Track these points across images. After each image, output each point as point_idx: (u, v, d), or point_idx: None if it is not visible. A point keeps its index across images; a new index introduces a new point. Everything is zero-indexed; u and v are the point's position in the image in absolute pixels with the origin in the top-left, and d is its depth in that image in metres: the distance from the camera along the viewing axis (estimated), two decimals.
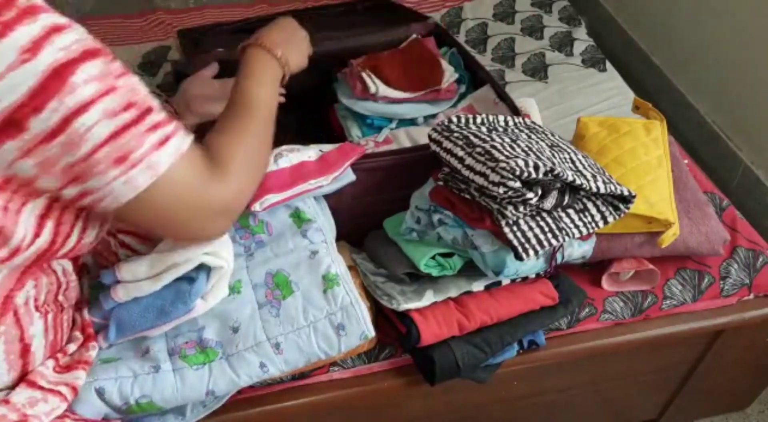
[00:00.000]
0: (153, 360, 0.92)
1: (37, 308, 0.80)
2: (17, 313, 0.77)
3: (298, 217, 1.04)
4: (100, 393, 0.89)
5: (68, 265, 0.87)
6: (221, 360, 0.93)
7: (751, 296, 1.25)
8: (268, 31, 1.00)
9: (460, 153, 0.97)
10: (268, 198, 1.01)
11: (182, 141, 0.72)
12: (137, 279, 0.90)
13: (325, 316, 0.95)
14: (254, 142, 0.86)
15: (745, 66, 1.73)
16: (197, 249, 0.90)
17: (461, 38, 1.89)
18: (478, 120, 1.06)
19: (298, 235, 1.03)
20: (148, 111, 0.68)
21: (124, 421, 0.93)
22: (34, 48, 0.60)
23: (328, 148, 1.11)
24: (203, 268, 0.91)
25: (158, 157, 0.69)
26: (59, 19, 0.63)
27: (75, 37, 0.63)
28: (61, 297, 0.86)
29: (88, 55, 0.64)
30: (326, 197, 1.09)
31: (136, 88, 0.68)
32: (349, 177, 1.09)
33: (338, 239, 1.10)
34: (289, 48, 0.99)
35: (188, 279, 0.91)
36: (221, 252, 0.92)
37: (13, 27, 0.60)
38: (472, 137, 0.99)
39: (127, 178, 0.67)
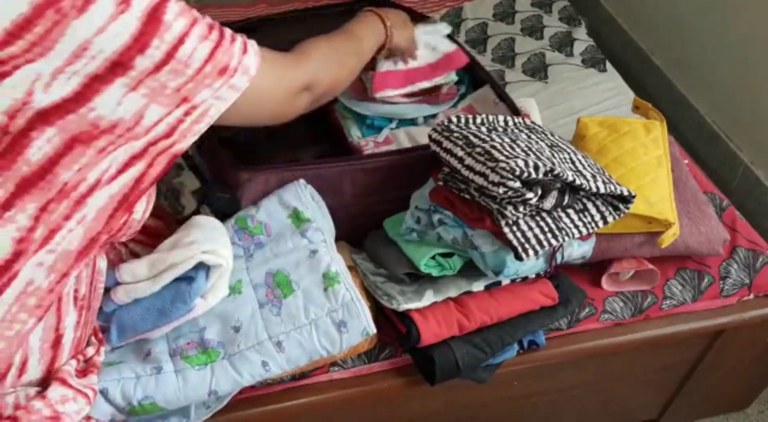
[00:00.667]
0: (155, 361, 0.92)
1: (75, 300, 0.82)
2: (60, 301, 0.79)
3: (296, 218, 1.04)
4: (104, 394, 0.89)
5: (104, 266, 0.89)
6: (223, 360, 0.93)
7: (751, 296, 1.25)
8: (388, 12, 1.17)
9: (460, 153, 0.97)
10: (387, 91, 1.23)
11: (253, 45, 0.82)
12: (137, 280, 0.90)
13: (326, 314, 0.95)
14: (332, 50, 0.99)
15: (745, 66, 1.73)
16: (196, 248, 0.90)
17: (461, 38, 1.89)
18: (478, 120, 1.06)
19: (297, 235, 1.03)
20: (222, 29, 0.78)
21: None
22: None
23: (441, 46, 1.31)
24: (202, 267, 0.91)
25: (248, 62, 0.79)
26: None
27: None
28: (92, 296, 0.87)
29: None
30: (326, 197, 1.09)
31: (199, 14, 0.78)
32: (452, 77, 1.31)
33: (338, 239, 1.11)
34: (398, 25, 1.17)
35: (187, 279, 0.91)
36: (220, 251, 0.92)
37: None
38: (471, 137, 0.99)
39: (231, 84, 0.77)
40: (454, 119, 1.05)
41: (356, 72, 1.07)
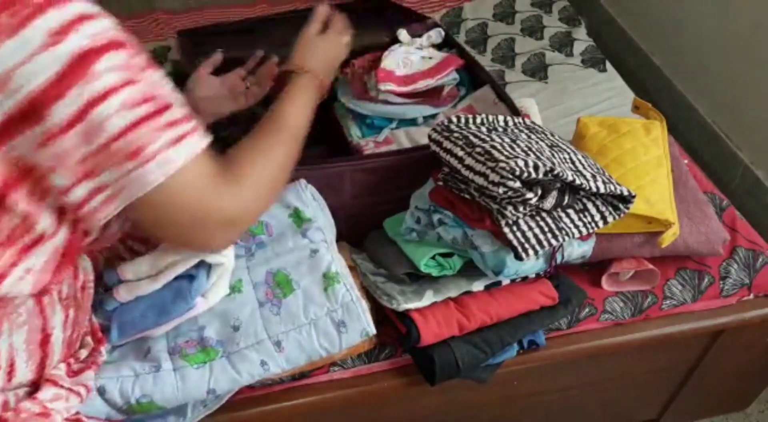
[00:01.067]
0: (154, 360, 0.92)
1: (60, 300, 0.81)
2: (41, 303, 0.78)
3: (297, 217, 1.04)
4: (101, 391, 0.90)
5: (89, 265, 0.89)
6: (222, 359, 0.93)
7: (751, 296, 1.25)
8: (311, 51, 1.04)
9: (460, 153, 0.97)
10: (390, 84, 1.26)
11: (198, 141, 0.70)
12: (139, 278, 0.90)
13: (325, 313, 0.95)
14: (275, 163, 0.85)
15: (745, 66, 1.73)
16: None
17: (461, 38, 1.89)
18: (478, 120, 1.06)
19: (298, 235, 1.03)
20: (167, 107, 0.68)
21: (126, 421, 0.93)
22: (61, 32, 0.60)
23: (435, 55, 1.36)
24: (203, 266, 0.92)
25: (171, 155, 0.67)
26: (90, 8, 0.63)
27: (103, 26, 0.64)
28: (79, 296, 0.87)
29: (113, 45, 0.64)
30: (326, 197, 1.09)
31: (158, 82, 0.68)
32: (453, 75, 1.33)
33: (338, 239, 1.11)
34: (328, 69, 1.05)
35: (189, 277, 0.91)
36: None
37: (44, 10, 0.60)
38: (471, 137, 0.99)
39: (138, 174, 0.66)
40: (454, 119, 1.05)
41: (290, 168, 0.90)
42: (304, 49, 1.04)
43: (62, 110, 0.61)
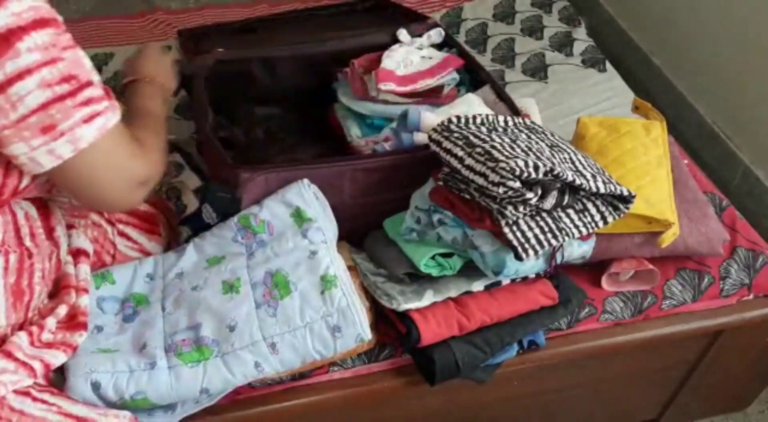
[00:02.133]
0: (149, 356, 0.93)
1: None
2: None
3: (299, 216, 1.04)
4: (96, 386, 0.90)
5: (32, 210, 0.90)
6: (216, 359, 0.93)
7: (751, 296, 1.25)
8: (141, 64, 1.09)
9: (460, 153, 0.97)
10: (390, 84, 1.24)
11: (108, 119, 0.76)
12: None
13: (321, 317, 0.95)
14: (161, 137, 0.96)
15: (745, 66, 1.73)
16: None
17: (461, 38, 1.89)
18: (478, 120, 1.06)
19: (298, 235, 1.03)
20: (86, 85, 0.72)
21: None
22: None
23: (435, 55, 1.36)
24: None
25: (82, 132, 0.72)
26: None
27: (29, 5, 0.67)
28: (28, 243, 0.86)
29: (38, 23, 0.67)
30: (326, 197, 1.09)
31: (80, 61, 0.72)
32: (453, 75, 1.32)
33: (338, 239, 1.10)
34: (160, 74, 1.10)
35: None
36: None
37: None
38: (471, 137, 0.99)
39: (50, 148, 0.72)
40: (454, 119, 1.05)
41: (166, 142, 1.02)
42: (141, 62, 1.10)
43: None
